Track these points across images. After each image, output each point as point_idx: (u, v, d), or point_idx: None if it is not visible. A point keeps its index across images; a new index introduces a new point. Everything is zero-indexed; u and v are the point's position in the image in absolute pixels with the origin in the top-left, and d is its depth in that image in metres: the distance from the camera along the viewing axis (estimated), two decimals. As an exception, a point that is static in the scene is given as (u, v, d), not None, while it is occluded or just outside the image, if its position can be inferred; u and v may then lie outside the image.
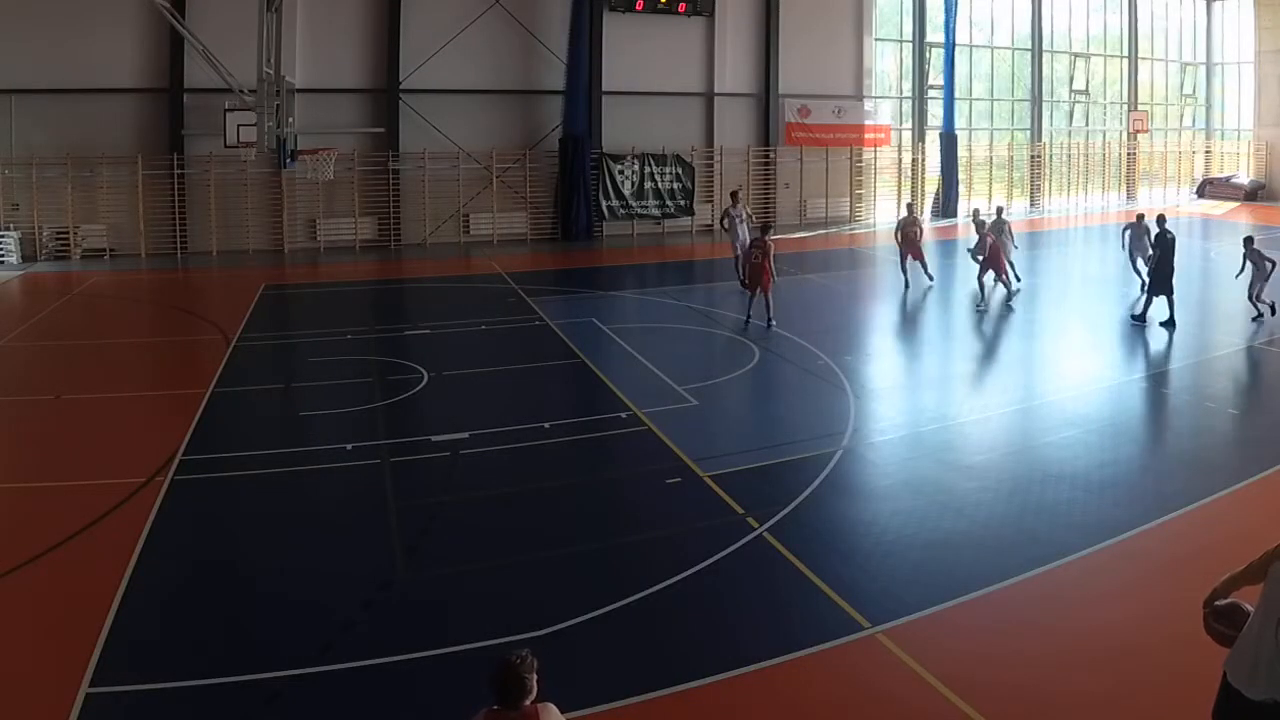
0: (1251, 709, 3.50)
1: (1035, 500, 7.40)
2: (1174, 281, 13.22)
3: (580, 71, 22.68)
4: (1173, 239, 13.38)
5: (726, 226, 17.19)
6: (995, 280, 15.02)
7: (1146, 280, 13.99)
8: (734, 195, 17.27)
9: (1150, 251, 14.04)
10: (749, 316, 13.46)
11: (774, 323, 13.13)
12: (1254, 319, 13.38)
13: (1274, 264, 13.36)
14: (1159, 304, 13.25)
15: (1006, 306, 14.77)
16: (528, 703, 3.25)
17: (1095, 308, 15.47)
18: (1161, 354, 12.24)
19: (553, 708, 3.29)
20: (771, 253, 13.26)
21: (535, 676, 3.28)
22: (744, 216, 16.83)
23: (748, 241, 15.80)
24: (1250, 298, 13.63)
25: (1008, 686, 4.99)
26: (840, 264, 20.29)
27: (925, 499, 7.44)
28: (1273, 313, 13.24)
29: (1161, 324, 13.10)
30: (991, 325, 14.41)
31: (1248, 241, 13.75)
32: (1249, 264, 13.70)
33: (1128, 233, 15.75)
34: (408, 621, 5.71)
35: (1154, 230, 13.84)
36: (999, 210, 16.83)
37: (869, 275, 19.27)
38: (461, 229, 22.80)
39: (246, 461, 8.27)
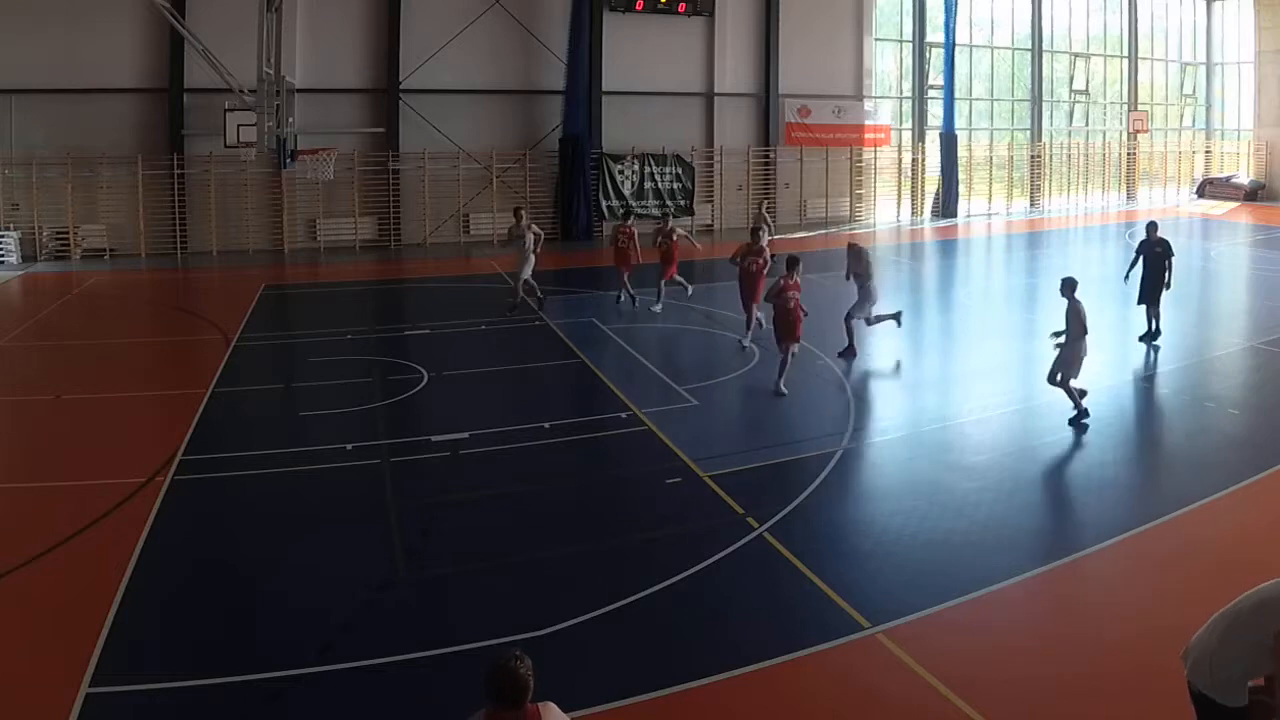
0: (1190, 687, 3.73)
1: (1035, 500, 7.42)
2: (1160, 294, 12.06)
3: (580, 71, 22.68)
4: (1160, 250, 12.13)
5: (507, 239, 14.89)
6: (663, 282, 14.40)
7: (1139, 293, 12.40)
8: (517, 212, 14.92)
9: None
10: (633, 296, 14.69)
11: (634, 300, 14.56)
12: (842, 353, 11.35)
13: (871, 284, 11.24)
14: (1146, 314, 12.22)
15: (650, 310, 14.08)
16: (526, 700, 3.22)
17: (1094, 308, 15.44)
18: (1161, 354, 12.23)
19: (553, 705, 3.28)
20: (635, 236, 14.88)
21: (532, 677, 3.25)
22: (531, 237, 14.19)
23: (532, 268, 14.04)
24: (849, 320, 11.12)
25: (1007, 686, 4.98)
26: (840, 264, 20.26)
27: (925, 499, 7.44)
28: (849, 354, 11.19)
29: (1140, 338, 12.22)
30: (990, 327, 14.42)
31: (851, 249, 11.57)
32: (853, 277, 11.48)
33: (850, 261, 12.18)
34: (408, 622, 5.71)
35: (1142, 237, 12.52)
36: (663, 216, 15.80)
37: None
38: (461, 229, 22.81)
39: (246, 461, 8.26)
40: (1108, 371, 11.36)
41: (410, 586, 6.18)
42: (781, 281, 10.11)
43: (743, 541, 6.61)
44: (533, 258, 14.33)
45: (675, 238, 14.65)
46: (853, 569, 6.31)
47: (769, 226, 17.91)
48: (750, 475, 7.92)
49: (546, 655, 5.03)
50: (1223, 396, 10.30)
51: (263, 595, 6.11)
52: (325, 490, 7.87)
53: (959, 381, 11.34)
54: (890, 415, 9.76)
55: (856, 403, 9.96)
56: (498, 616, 5.66)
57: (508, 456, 8.52)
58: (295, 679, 5.06)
